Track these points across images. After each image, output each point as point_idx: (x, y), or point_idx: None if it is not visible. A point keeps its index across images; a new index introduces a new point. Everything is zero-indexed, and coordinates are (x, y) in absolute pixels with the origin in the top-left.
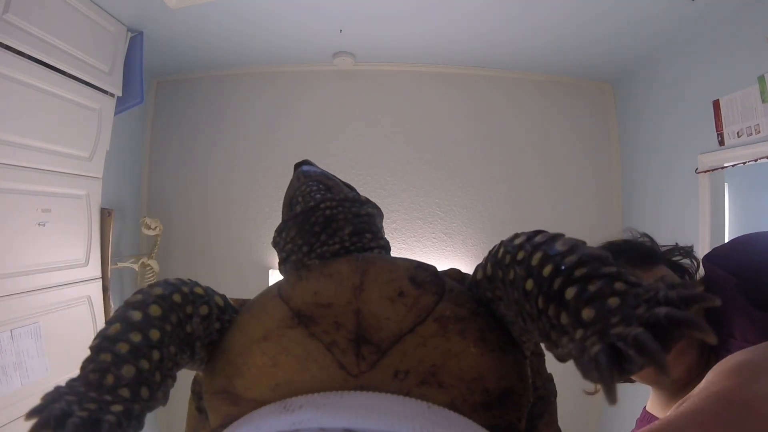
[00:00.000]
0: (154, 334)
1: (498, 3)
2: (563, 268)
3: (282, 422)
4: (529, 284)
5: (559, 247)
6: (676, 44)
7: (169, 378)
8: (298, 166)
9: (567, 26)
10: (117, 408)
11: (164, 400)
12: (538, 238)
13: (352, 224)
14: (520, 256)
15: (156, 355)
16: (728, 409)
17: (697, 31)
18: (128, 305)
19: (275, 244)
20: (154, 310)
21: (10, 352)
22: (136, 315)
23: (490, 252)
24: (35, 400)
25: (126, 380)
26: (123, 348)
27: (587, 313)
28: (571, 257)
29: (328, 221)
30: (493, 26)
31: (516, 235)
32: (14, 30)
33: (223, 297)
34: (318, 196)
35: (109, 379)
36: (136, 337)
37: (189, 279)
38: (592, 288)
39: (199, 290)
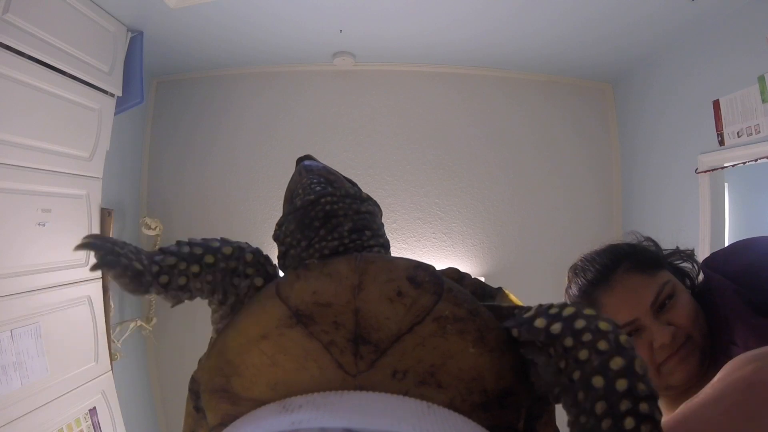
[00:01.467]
0: (209, 259)
1: (498, 3)
2: (634, 394)
3: (281, 422)
4: (598, 382)
5: (638, 369)
6: (676, 44)
7: (187, 291)
8: (300, 160)
9: (567, 26)
10: (137, 266)
11: (172, 299)
12: (624, 341)
13: (351, 221)
14: (602, 347)
15: (195, 269)
16: (750, 390)
17: (697, 31)
18: (220, 240)
19: (275, 237)
20: (227, 250)
21: (10, 352)
22: (215, 243)
23: (558, 309)
24: (35, 400)
25: (163, 264)
26: (185, 249)
27: None
28: (642, 387)
29: (327, 216)
30: (494, 26)
31: (597, 317)
32: (14, 30)
33: (272, 264)
34: (318, 188)
35: (170, 260)
36: (197, 250)
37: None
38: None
39: (270, 269)
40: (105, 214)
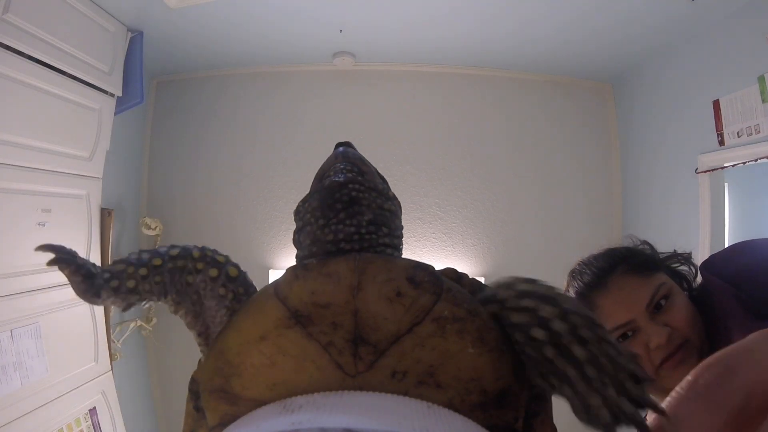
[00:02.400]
0: (156, 261)
1: (499, 4)
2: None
3: (281, 422)
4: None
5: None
6: (676, 44)
7: (135, 293)
8: (338, 145)
9: (567, 27)
10: (91, 269)
11: (122, 302)
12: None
13: (373, 213)
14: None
15: (143, 271)
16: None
17: (697, 31)
18: (170, 246)
19: (296, 212)
20: (173, 251)
21: (10, 352)
22: (164, 249)
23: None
24: (35, 400)
25: (113, 270)
26: (133, 256)
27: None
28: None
29: (351, 202)
30: (494, 27)
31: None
32: (14, 30)
33: (241, 272)
34: (350, 175)
35: (120, 266)
36: (145, 255)
37: (217, 250)
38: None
39: (220, 257)
40: (105, 214)
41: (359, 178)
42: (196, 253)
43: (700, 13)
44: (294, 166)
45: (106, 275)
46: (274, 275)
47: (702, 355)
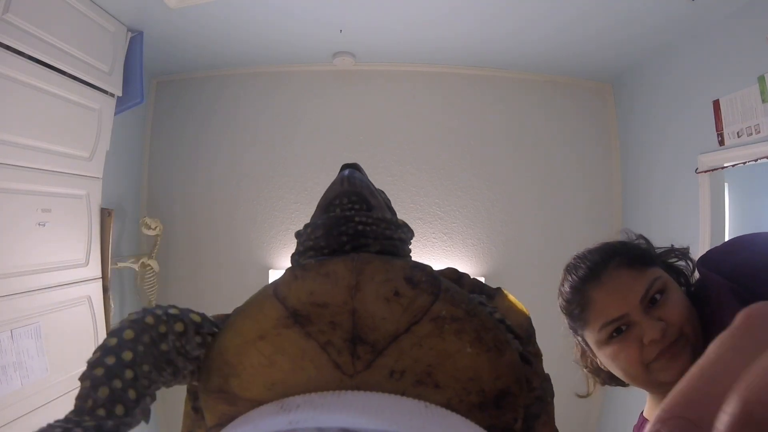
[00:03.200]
0: (127, 355)
1: (499, 4)
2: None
3: (279, 422)
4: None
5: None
6: (676, 44)
7: (147, 396)
8: (345, 167)
9: (567, 27)
10: (89, 423)
11: (144, 417)
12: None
13: (380, 245)
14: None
15: (129, 374)
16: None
17: (697, 31)
18: (109, 334)
19: (298, 235)
20: (128, 333)
21: (10, 352)
22: (112, 341)
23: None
24: (35, 400)
25: (101, 401)
26: (99, 372)
27: None
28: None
29: (357, 235)
30: (494, 27)
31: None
32: (14, 30)
33: (201, 314)
34: (356, 207)
35: (89, 403)
36: (110, 360)
37: (167, 304)
38: None
39: (173, 311)
40: (105, 214)
41: (366, 213)
42: (149, 319)
43: (700, 13)
44: (294, 165)
45: (89, 424)
46: (274, 275)
47: (696, 349)
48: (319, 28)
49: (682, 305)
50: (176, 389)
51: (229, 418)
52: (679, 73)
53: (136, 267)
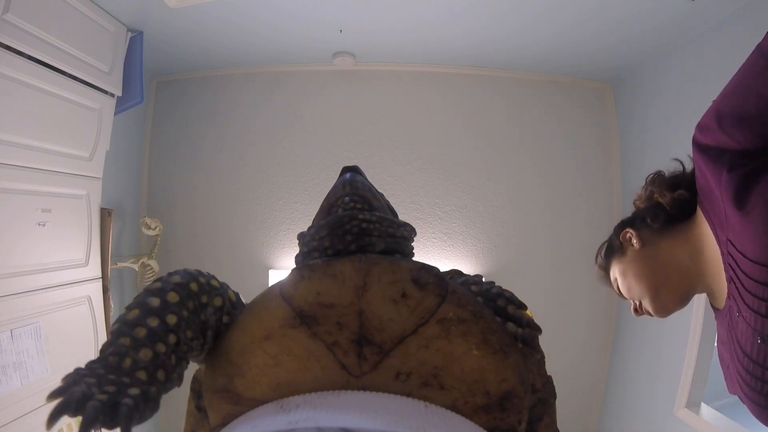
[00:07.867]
0: (171, 319)
1: (499, 4)
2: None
3: (278, 421)
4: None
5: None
6: (676, 44)
7: (183, 361)
8: (346, 170)
9: (567, 27)
10: (134, 391)
11: (179, 381)
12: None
13: (384, 243)
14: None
15: (172, 339)
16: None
17: (697, 31)
18: (148, 292)
19: (301, 236)
20: (172, 296)
21: (10, 352)
22: (155, 301)
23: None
24: (35, 400)
25: (143, 363)
26: (141, 332)
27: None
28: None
29: (361, 234)
30: (494, 27)
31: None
32: (14, 30)
33: (237, 294)
34: (359, 206)
35: (128, 362)
36: (153, 322)
37: (207, 272)
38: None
39: (215, 282)
40: (105, 214)
41: (368, 212)
42: (194, 286)
43: (700, 13)
44: (294, 165)
45: (134, 392)
46: (274, 275)
47: (658, 296)
48: (319, 28)
49: (626, 286)
50: (178, 389)
51: (233, 418)
52: (680, 74)
53: (136, 267)
